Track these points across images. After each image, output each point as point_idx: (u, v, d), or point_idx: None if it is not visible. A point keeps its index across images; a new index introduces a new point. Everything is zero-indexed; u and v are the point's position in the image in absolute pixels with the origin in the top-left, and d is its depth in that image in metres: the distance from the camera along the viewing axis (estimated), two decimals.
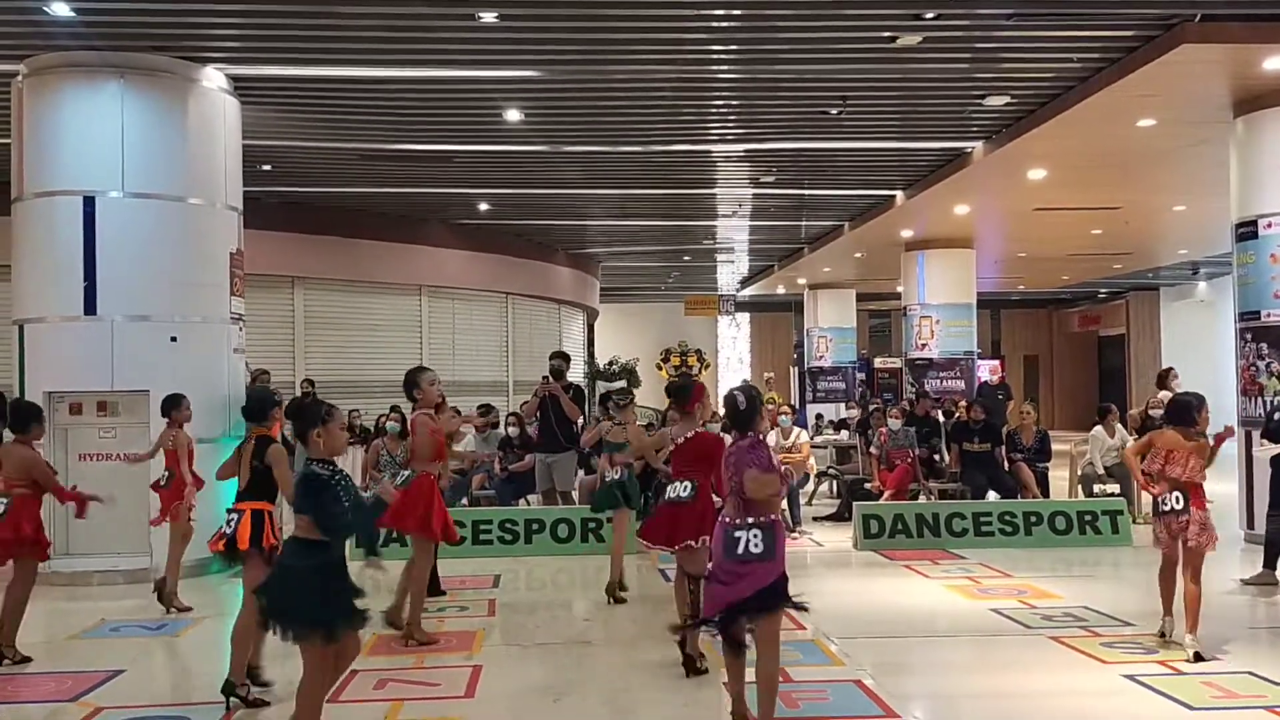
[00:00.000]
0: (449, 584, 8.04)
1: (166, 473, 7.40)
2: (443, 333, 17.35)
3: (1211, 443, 6.09)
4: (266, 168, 12.47)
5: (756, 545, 4.43)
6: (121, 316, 8.43)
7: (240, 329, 9.29)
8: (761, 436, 4.71)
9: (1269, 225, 9.41)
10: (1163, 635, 6.12)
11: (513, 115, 10.67)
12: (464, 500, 11.17)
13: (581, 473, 11.43)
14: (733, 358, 31.59)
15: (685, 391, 6.09)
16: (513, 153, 12.29)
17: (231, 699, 5.10)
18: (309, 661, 4.20)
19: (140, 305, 8.48)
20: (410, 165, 12.93)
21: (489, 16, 7.88)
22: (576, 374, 20.82)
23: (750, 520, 4.47)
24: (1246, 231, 9.69)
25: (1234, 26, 8.06)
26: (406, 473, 6.60)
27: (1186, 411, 6.09)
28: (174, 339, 8.57)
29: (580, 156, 12.55)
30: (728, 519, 4.56)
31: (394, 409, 12.93)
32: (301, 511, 4.24)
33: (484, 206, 15.83)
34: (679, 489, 5.94)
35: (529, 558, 9.42)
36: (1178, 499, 5.91)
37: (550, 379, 10.13)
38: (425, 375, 6.62)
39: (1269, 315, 9.42)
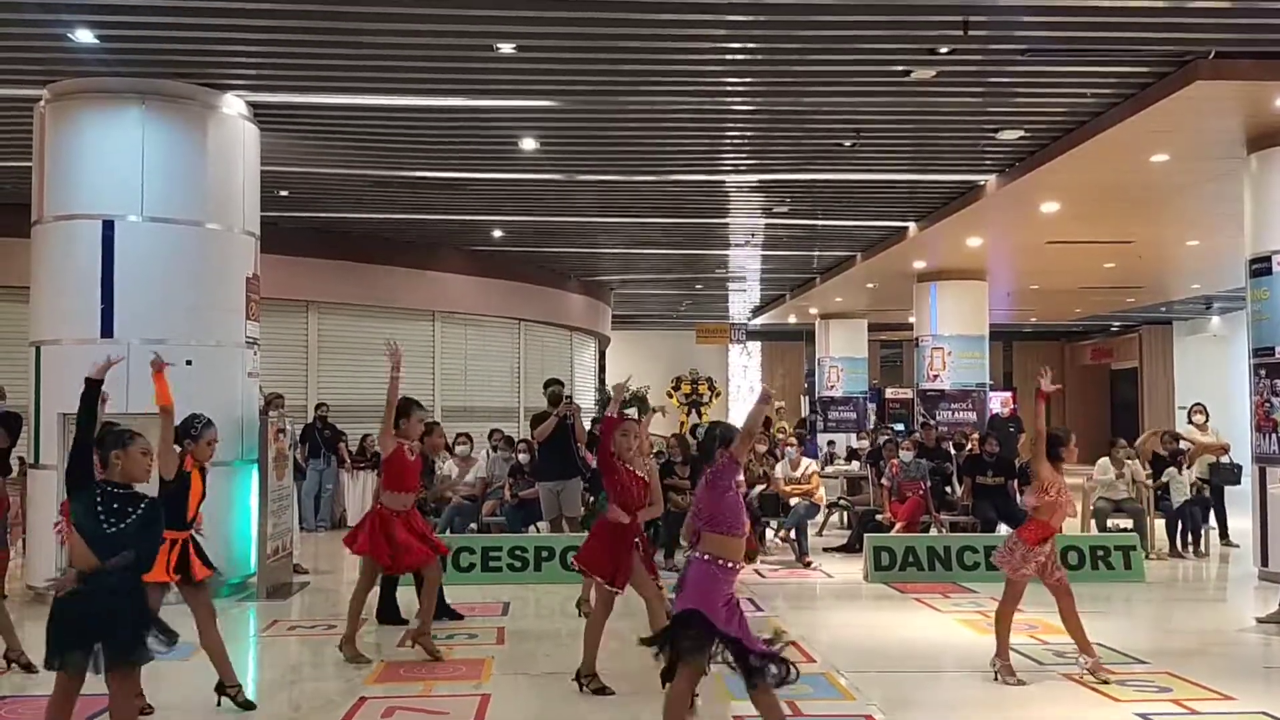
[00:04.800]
0: (458, 610, 8.04)
1: None
2: (455, 358, 17.40)
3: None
4: (284, 193, 12.58)
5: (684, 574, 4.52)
6: (138, 340, 8.47)
7: (255, 353, 9.34)
8: (728, 461, 4.57)
9: None
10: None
11: (528, 144, 10.75)
12: (473, 526, 11.18)
13: (591, 500, 11.41)
14: (744, 386, 31.57)
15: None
16: (527, 181, 12.37)
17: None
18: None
19: (156, 329, 8.53)
20: (425, 192, 13.02)
21: (507, 48, 7.97)
22: (588, 401, 20.84)
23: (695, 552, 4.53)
24: (1260, 268, 9.67)
25: (1247, 64, 8.10)
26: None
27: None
28: (189, 363, 8.60)
29: (594, 185, 12.63)
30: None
31: None
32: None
33: (498, 233, 15.92)
34: None
35: (538, 585, 9.41)
36: None
37: (570, 401, 10.19)
38: (418, 411, 6.88)
39: None
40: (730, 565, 4.47)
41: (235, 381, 9.03)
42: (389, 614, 7.86)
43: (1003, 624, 6.24)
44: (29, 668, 6.14)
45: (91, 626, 4.14)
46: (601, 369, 25.26)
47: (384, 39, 7.89)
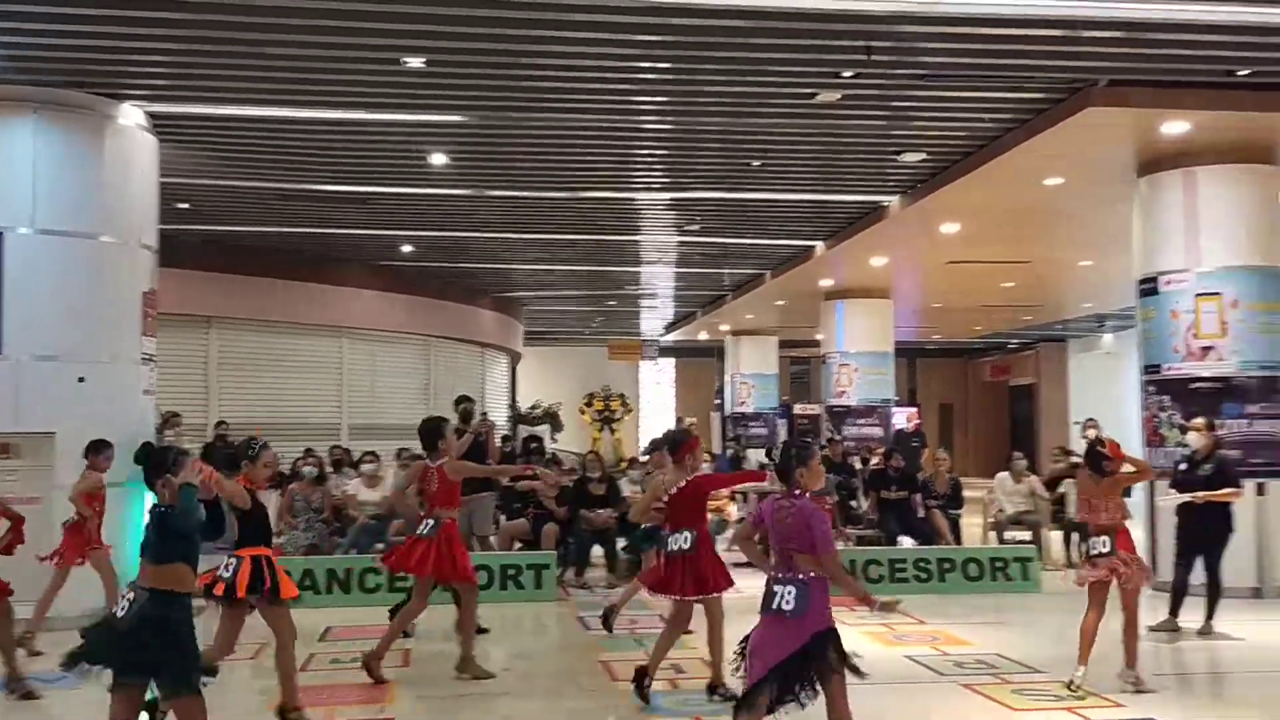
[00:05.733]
0: (356, 634, 7.87)
1: (77, 517, 7.33)
2: (362, 375, 17.12)
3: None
4: (184, 206, 12.25)
5: (789, 602, 4.29)
6: (28, 355, 8.16)
7: (151, 370, 9.06)
8: (806, 493, 4.49)
9: (1169, 282, 9.81)
10: (1071, 685, 6.22)
11: (438, 159, 10.67)
12: (380, 546, 10.97)
13: (504, 518, 11.34)
14: (656, 403, 31.69)
15: (677, 442, 6.43)
16: (437, 196, 12.27)
17: None
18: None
19: (48, 344, 8.21)
20: (332, 206, 12.81)
21: (415, 62, 7.90)
22: (499, 418, 20.70)
23: (788, 575, 4.35)
24: (1148, 288, 10.08)
25: (1137, 92, 8.45)
26: (431, 521, 6.75)
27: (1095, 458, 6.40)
28: (82, 379, 8.31)
29: (505, 201, 12.58)
30: (774, 572, 4.44)
31: (308, 452, 12.71)
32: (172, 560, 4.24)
33: (406, 249, 15.73)
34: (679, 540, 6.08)
35: (446, 605, 9.25)
36: (1105, 543, 6.23)
37: (485, 418, 10.10)
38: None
39: (1170, 369, 9.80)
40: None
41: (130, 399, 8.71)
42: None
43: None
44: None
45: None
46: (513, 385, 25.12)
47: (288, 50, 7.75)
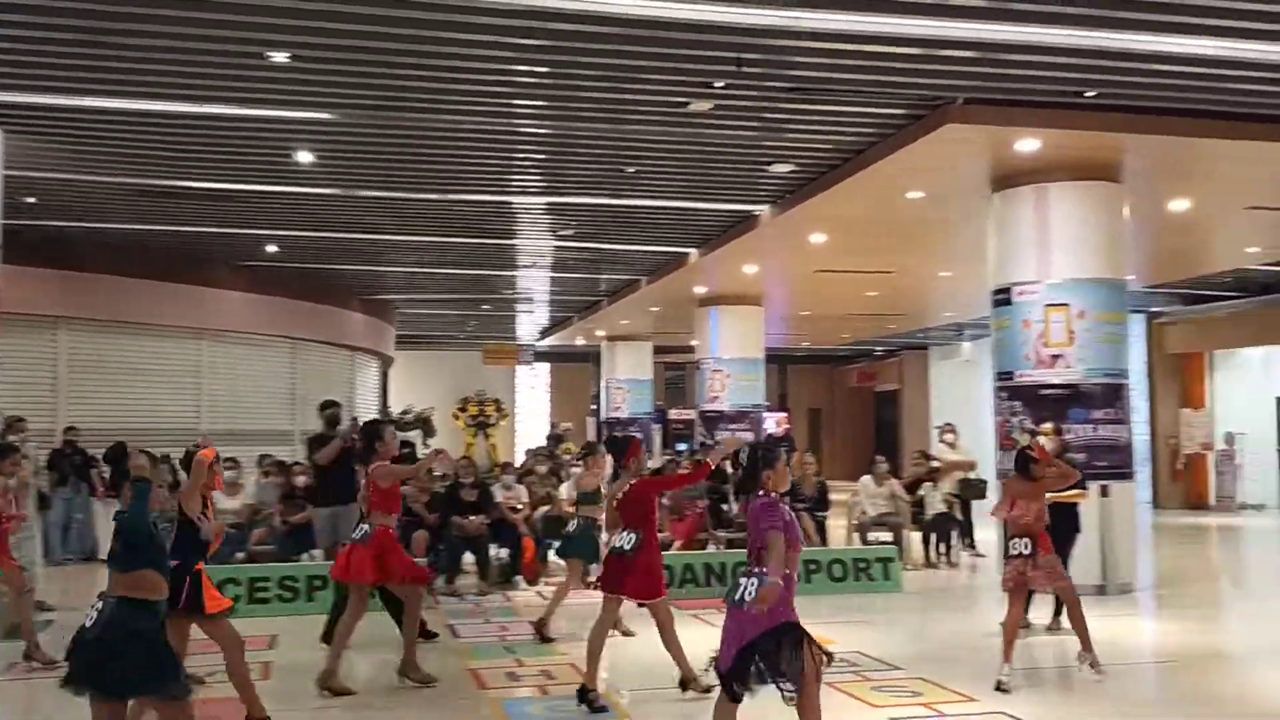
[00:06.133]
0: (207, 648, 7.58)
1: None
2: (224, 379, 16.52)
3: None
4: (31, 200, 11.61)
5: (750, 594, 4.51)
6: None
7: None
8: (772, 493, 4.76)
9: (1021, 293, 10.27)
10: (999, 686, 6.40)
11: (304, 157, 10.39)
12: (240, 555, 10.62)
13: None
14: (531, 408, 31.53)
15: (622, 448, 6.78)
16: (304, 195, 11.94)
17: None
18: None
19: None
20: (193, 203, 12.33)
21: (280, 57, 7.67)
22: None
23: (753, 570, 4.60)
24: (1002, 298, 10.53)
25: (991, 110, 8.81)
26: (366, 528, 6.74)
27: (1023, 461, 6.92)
28: None
29: (376, 202, 12.33)
30: (746, 566, 4.70)
31: (164, 458, 12.20)
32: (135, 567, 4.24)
33: (272, 248, 15.25)
34: (623, 539, 6.37)
35: (310, 616, 9.00)
36: (1027, 544, 6.62)
37: (356, 423, 9.90)
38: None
39: (1021, 375, 10.25)
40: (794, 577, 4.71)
41: None
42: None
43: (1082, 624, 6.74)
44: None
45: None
46: (385, 390, 24.62)
47: (145, 40, 7.41)
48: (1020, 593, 6.76)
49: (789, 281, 17.11)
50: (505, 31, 7.28)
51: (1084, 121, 8.92)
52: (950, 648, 7.96)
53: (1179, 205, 11.59)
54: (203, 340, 16.18)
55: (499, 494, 11.50)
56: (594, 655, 6.21)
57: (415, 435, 20.73)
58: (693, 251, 15.02)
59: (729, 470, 13.39)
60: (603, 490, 8.33)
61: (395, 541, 6.82)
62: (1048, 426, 9.06)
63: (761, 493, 4.73)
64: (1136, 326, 19.72)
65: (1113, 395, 10.09)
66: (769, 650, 4.47)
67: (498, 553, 11.12)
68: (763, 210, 12.51)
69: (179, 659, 4.43)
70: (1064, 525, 8.37)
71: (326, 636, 7.68)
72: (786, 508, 4.80)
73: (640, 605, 6.52)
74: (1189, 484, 20.66)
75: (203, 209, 12.64)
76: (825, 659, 4.60)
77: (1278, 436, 20.13)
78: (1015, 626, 6.68)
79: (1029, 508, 6.69)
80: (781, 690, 4.50)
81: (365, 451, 6.98)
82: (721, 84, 8.27)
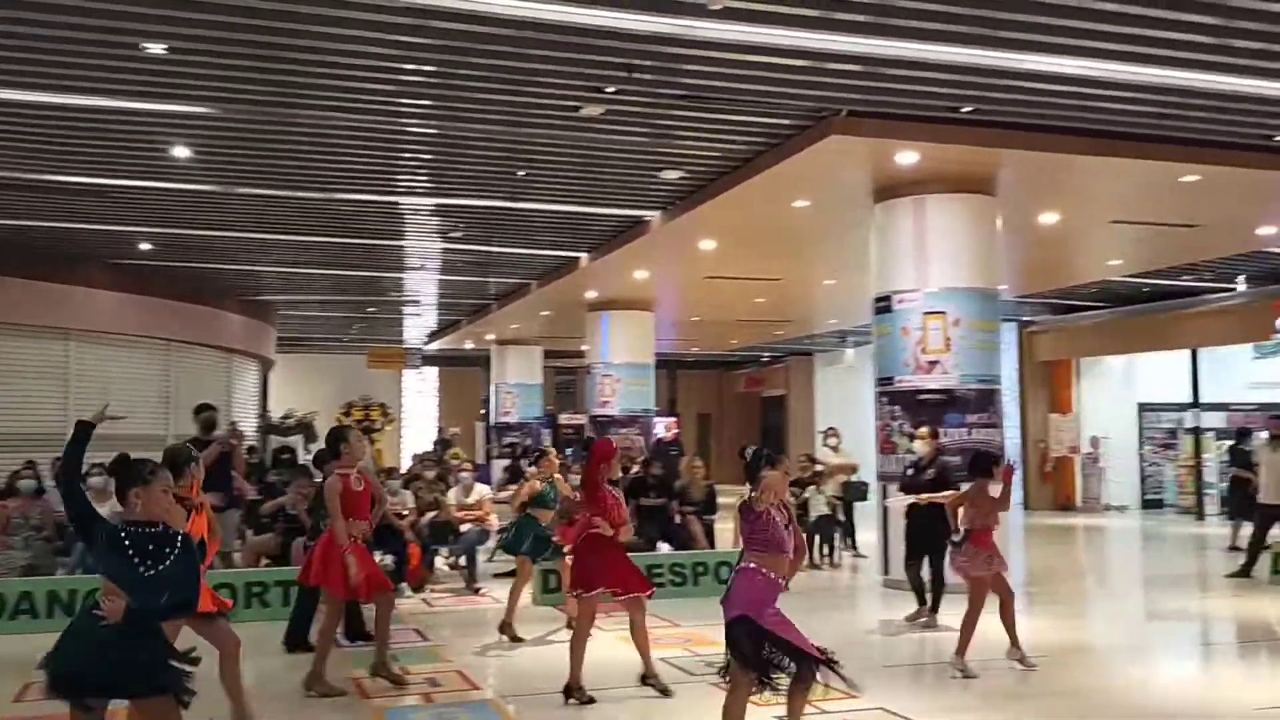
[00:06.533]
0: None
1: None
2: (92, 381, 15.79)
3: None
4: None
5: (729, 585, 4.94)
6: None
7: None
8: (753, 496, 5.01)
9: (900, 301, 10.57)
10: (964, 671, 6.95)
11: (180, 152, 10.04)
12: None
13: (250, 532, 10.79)
14: (419, 411, 31.08)
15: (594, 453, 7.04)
16: (179, 191, 11.53)
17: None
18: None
19: None
20: (61, 198, 11.79)
21: (156, 48, 7.39)
22: (249, 428, 19.66)
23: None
24: (883, 306, 10.82)
25: (874, 123, 9.06)
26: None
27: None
28: None
29: (255, 199, 11.98)
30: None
31: (29, 464, 11.67)
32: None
33: (145, 246, 14.67)
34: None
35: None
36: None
37: (234, 427, 9.62)
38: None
39: (900, 381, 10.55)
40: (774, 577, 5.01)
41: None
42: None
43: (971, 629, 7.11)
44: None
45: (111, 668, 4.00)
46: (264, 394, 23.93)
47: (13, 27, 7.05)
48: (980, 590, 7.20)
49: (679, 287, 17.27)
50: (392, 29, 7.17)
51: (961, 136, 9.24)
52: (833, 645, 8.07)
53: (1049, 218, 12.11)
54: (69, 340, 15.46)
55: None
56: (641, 647, 6.63)
57: (297, 440, 20.22)
58: (584, 256, 15.02)
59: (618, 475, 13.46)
60: (565, 490, 8.67)
61: (366, 553, 6.87)
62: (924, 430, 9.35)
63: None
64: (1009, 335, 20.55)
65: (986, 400, 10.46)
66: (734, 639, 4.88)
67: (382, 559, 10.90)
68: (653, 216, 12.60)
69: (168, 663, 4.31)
70: (940, 526, 8.65)
71: (289, 640, 7.89)
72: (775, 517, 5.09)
73: (617, 597, 6.72)
74: (1057, 486, 21.61)
75: (72, 204, 12.09)
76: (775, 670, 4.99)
77: (1138, 441, 21.22)
78: (973, 623, 7.14)
79: (985, 510, 7.31)
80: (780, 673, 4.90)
81: (329, 457, 7.12)
82: (613, 89, 8.30)
